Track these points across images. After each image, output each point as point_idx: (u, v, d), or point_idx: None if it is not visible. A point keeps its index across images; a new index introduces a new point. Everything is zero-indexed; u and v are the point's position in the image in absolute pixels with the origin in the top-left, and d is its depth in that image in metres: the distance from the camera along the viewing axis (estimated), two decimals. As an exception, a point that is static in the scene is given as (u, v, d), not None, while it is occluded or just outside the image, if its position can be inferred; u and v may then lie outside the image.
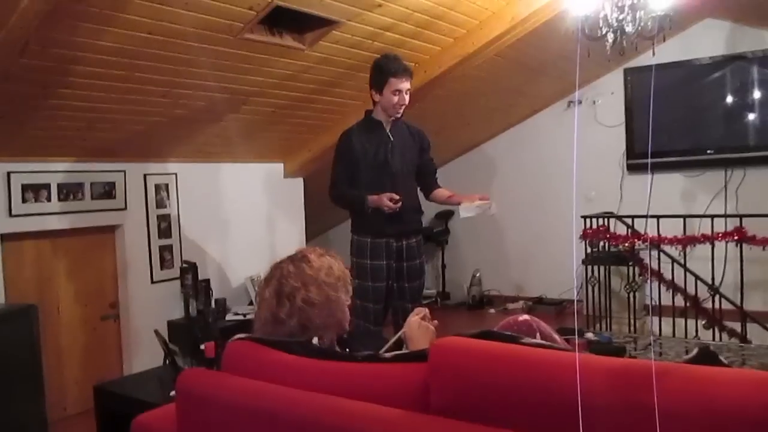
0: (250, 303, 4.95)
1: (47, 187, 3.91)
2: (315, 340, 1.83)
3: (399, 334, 1.90)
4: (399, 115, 3.51)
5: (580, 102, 6.27)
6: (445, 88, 5.08)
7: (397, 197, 3.35)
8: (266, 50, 3.75)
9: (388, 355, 1.64)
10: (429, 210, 6.84)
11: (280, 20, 3.59)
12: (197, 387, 1.74)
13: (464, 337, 1.50)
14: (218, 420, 1.67)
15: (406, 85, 3.42)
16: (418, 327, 1.86)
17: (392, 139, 3.51)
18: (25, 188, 3.80)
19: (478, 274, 6.62)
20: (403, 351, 1.80)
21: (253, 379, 1.68)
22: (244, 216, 5.19)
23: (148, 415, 1.99)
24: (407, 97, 3.46)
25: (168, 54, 3.37)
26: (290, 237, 5.59)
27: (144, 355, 4.35)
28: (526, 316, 1.91)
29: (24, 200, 3.80)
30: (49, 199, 3.91)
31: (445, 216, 6.87)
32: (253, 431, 1.59)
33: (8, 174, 3.74)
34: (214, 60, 3.60)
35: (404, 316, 3.27)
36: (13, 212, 3.76)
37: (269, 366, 1.72)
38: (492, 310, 6.44)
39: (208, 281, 4.69)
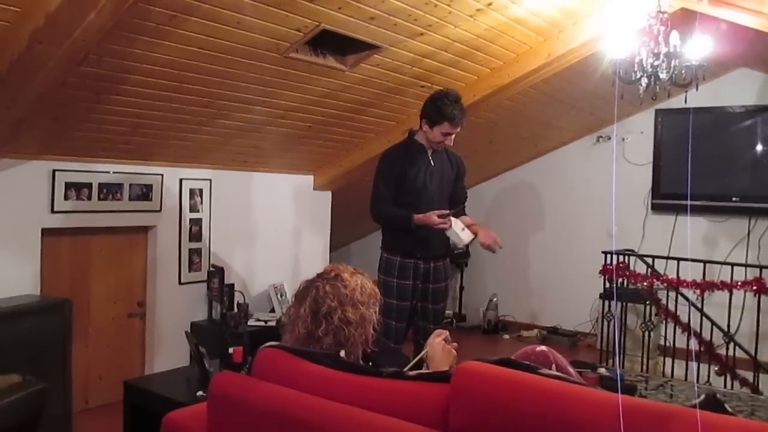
0: (272, 310, 5.06)
1: (89, 186, 4.07)
2: (342, 353, 1.93)
3: (422, 354, 2.00)
4: (437, 148, 3.62)
5: (609, 138, 6.34)
6: (478, 115, 5.19)
7: (447, 212, 3.45)
8: (308, 69, 3.90)
9: (412, 373, 1.74)
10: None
11: (325, 42, 3.73)
12: (230, 391, 1.85)
13: (485, 363, 1.60)
14: (248, 423, 1.77)
15: (457, 130, 3.53)
16: (441, 349, 1.96)
17: (432, 164, 3.61)
18: (68, 186, 3.97)
19: (495, 299, 6.69)
20: (426, 371, 1.90)
21: (283, 387, 1.78)
22: (272, 225, 5.33)
23: (179, 413, 2.10)
24: (449, 139, 3.56)
25: (215, 68, 3.52)
26: (315, 248, 5.72)
27: (166, 354, 4.48)
28: (543, 347, 2.00)
29: (66, 198, 3.96)
30: (89, 198, 4.07)
31: (467, 240, 6.94)
32: (281, 436, 1.69)
33: (53, 171, 3.91)
34: (258, 75, 3.75)
35: (425, 335, 3.36)
36: (55, 208, 3.92)
37: (298, 375, 1.82)
38: (506, 336, 6.49)
39: (232, 286, 4.82)
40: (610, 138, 6.35)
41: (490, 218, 6.86)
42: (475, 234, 3.58)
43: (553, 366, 1.88)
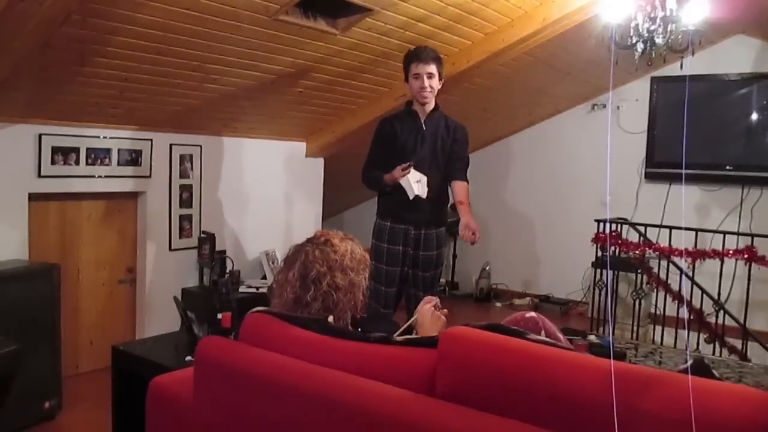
0: (264, 277, 5.05)
1: (76, 150, 4.01)
2: (330, 319, 1.92)
3: (411, 320, 1.99)
4: (426, 100, 3.54)
5: (604, 106, 6.29)
6: (472, 82, 5.13)
7: (408, 164, 3.40)
8: (299, 32, 3.82)
9: (399, 338, 1.72)
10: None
11: (316, 4, 3.65)
12: (216, 355, 1.84)
13: (473, 328, 1.58)
14: (234, 388, 1.76)
15: (426, 68, 3.46)
16: (430, 315, 1.94)
17: (425, 129, 3.57)
18: (54, 151, 3.90)
19: (487, 268, 6.70)
20: (414, 336, 1.89)
21: (269, 351, 1.77)
22: (264, 192, 5.29)
23: (166, 378, 2.09)
24: (430, 82, 3.48)
25: (203, 30, 3.45)
26: (307, 216, 5.69)
27: (157, 320, 4.47)
28: (533, 314, 1.99)
29: (53, 162, 3.91)
30: (77, 163, 4.02)
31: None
32: (268, 401, 1.68)
33: (40, 136, 3.85)
34: (247, 38, 3.67)
35: (415, 303, 3.36)
36: (42, 173, 3.87)
37: (285, 340, 1.81)
38: (498, 304, 6.52)
39: (224, 252, 4.79)
40: (605, 106, 6.30)
41: (483, 187, 6.83)
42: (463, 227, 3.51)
43: (542, 332, 1.87)
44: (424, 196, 3.47)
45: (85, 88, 3.67)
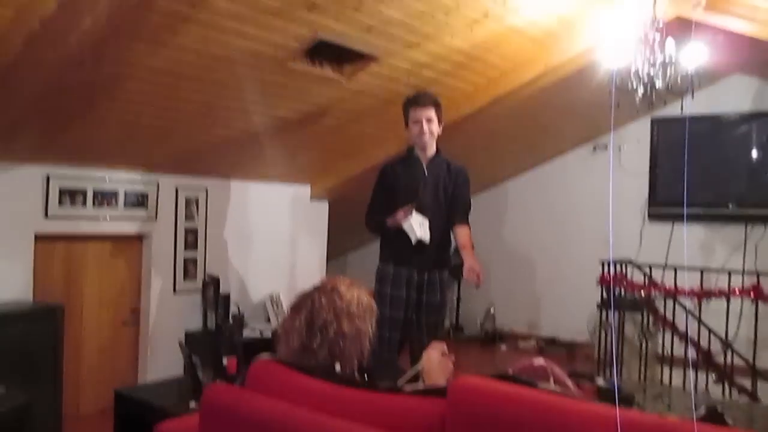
0: (268, 320, 5.03)
1: (83, 192, 4.05)
2: (337, 367, 1.91)
3: (417, 367, 1.97)
4: (426, 145, 3.57)
5: (606, 147, 6.33)
6: (476, 125, 5.18)
7: (409, 206, 3.42)
8: (306, 79, 3.88)
9: (407, 388, 1.72)
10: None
11: (323, 52, 3.72)
12: (223, 402, 1.82)
13: (482, 378, 1.58)
14: (241, 436, 1.75)
15: (424, 113, 3.49)
16: (438, 362, 1.93)
17: (426, 174, 3.60)
18: (62, 192, 3.95)
19: (492, 310, 6.66)
20: (421, 384, 1.87)
21: (276, 400, 1.76)
22: (269, 234, 5.30)
23: (171, 424, 2.07)
24: (429, 127, 3.50)
25: (213, 76, 3.51)
26: (311, 258, 5.69)
27: (160, 362, 4.45)
28: (541, 360, 1.98)
29: (60, 203, 3.94)
30: (84, 204, 4.05)
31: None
32: (275, 450, 1.67)
33: (48, 177, 3.89)
34: (255, 84, 3.74)
35: (420, 348, 3.33)
36: (49, 214, 3.91)
37: (292, 388, 1.80)
38: (504, 347, 6.46)
39: (228, 296, 4.79)
40: (607, 147, 6.35)
41: (487, 228, 6.84)
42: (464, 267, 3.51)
43: (551, 379, 1.87)
44: (427, 239, 3.47)
45: (94, 130, 3.72)
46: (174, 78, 3.42)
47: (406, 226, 3.44)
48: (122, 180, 4.25)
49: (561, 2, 3.77)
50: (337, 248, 6.67)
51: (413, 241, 3.44)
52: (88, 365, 4.27)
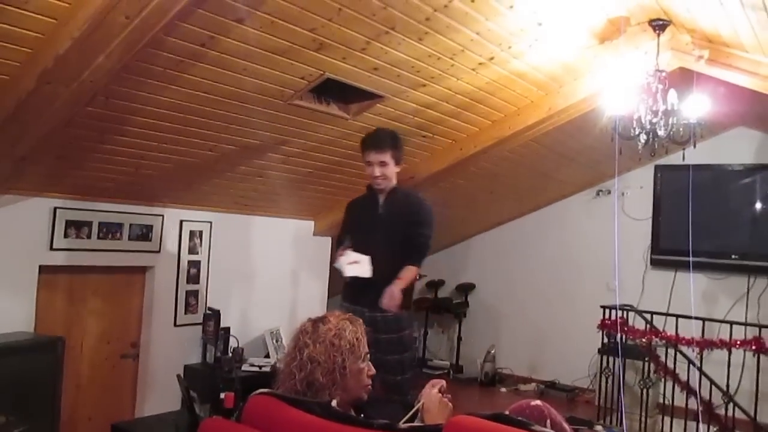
0: (267, 355, 5.01)
1: (89, 224, 4.09)
2: (334, 403, 1.91)
3: (417, 405, 1.97)
4: (380, 188, 3.51)
5: (609, 192, 6.37)
6: (478, 166, 5.25)
7: (397, 302, 3.32)
8: (311, 116, 3.95)
9: (404, 426, 1.71)
10: (450, 281, 6.95)
11: (329, 90, 3.79)
12: (218, 437, 1.82)
13: (478, 418, 1.57)
14: (235, 472, 1.74)
15: (378, 157, 3.43)
16: (438, 401, 1.93)
17: (381, 211, 3.55)
18: (68, 224, 3.98)
19: (493, 351, 6.62)
20: (418, 424, 1.87)
21: (271, 435, 1.75)
22: (271, 269, 5.32)
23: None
24: (383, 171, 3.45)
25: (220, 112, 3.57)
26: (313, 294, 5.69)
27: (157, 396, 4.42)
28: (538, 402, 1.97)
29: (66, 235, 3.97)
30: (89, 237, 4.09)
31: (465, 289, 6.93)
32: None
33: (54, 209, 3.93)
34: (261, 121, 3.80)
35: (395, 388, 3.35)
36: (54, 246, 3.93)
37: (289, 424, 1.79)
38: (503, 389, 6.41)
39: (228, 329, 4.78)
40: (609, 192, 6.38)
41: (489, 269, 6.87)
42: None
43: (548, 422, 1.85)
44: (366, 275, 3.39)
45: (102, 165, 3.78)
46: (182, 113, 3.48)
47: (336, 265, 3.47)
48: (127, 213, 4.28)
49: (565, 49, 3.84)
50: (339, 284, 6.67)
51: (344, 276, 3.46)
52: (87, 399, 4.24)
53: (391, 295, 3.33)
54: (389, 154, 3.44)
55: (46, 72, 2.75)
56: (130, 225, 4.30)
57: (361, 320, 2.10)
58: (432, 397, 1.97)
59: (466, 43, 3.54)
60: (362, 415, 2.04)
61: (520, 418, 1.64)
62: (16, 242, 3.79)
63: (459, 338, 6.91)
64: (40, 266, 3.89)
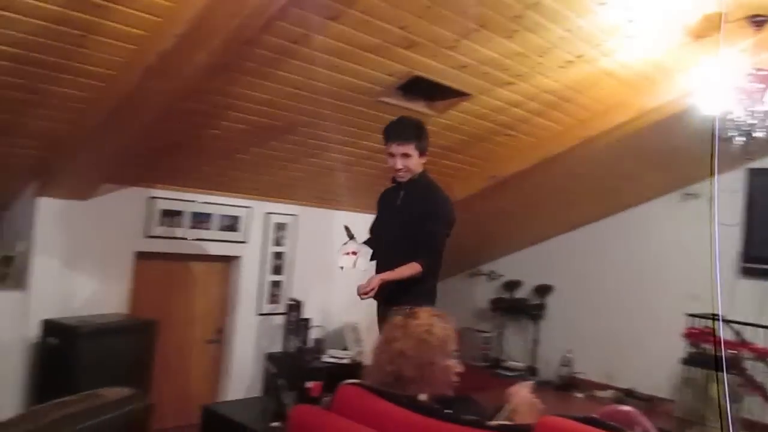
0: (345, 348, 5.10)
1: (182, 214, 4.27)
2: (422, 396, 1.93)
3: (508, 405, 1.97)
4: (402, 180, 3.26)
5: (696, 196, 6.14)
6: (562, 166, 5.15)
7: (366, 289, 3.07)
8: (397, 113, 3.96)
9: (493, 423, 1.72)
10: (528, 282, 6.87)
11: (415, 87, 3.82)
12: (310, 423, 1.88)
13: (569, 420, 1.57)
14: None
15: (400, 149, 3.16)
16: (528, 402, 1.92)
17: (398, 203, 3.31)
18: (162, 213, 4.18)
19: (569, 355, 6.50)
20: (508, 422, 1.87)
21: (362, 425, 1.80)
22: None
23: (256, 442, 2.14)
24: (405, 163, 3.18)
25: (310, 108, 3.66)
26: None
27: (239, 382, 4.57)
28: (629, 408, 1.95)
29: (160, 224, 4.17)
30: (181, 225, 4.27)
31: (543, 291, 6.83)
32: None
33: (151, 199, 4.12)
34: (349, 117, 3.87)
35: None
36: (150, 233, 4.13)
37: (377, 415, 1.83)
38: (579, 395, 6.28)
39: (309, 320, 4.89)
40: (697, 196, 6.14)
41: (567, 271, 6.74)
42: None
43: (638, 429, 1.83)
44: (361, 268, 3.27)
45: (195, 156, 3.94)
46: (274, 109, 3.59)
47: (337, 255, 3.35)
48: (217, 203, 4.44)
49: (657, 47, 3.73)
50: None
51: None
52: (173, 379, 4.43)
53: (367, 282, 3.06)
54: (413, 146, 3.18)
55: (149, 68, 2.89)
56: (219, 216, 4.47)
57: (451, 318, 2.10)
58: (522, 397, 1.97)
59: (555, 40, 3.49)
60: (448, 410, 2.05)
61: (612, 423, 1.62)
62: (114, 230, 4.00)
63: (535, 340, 6.82)
64: (135, 252, 4.09)
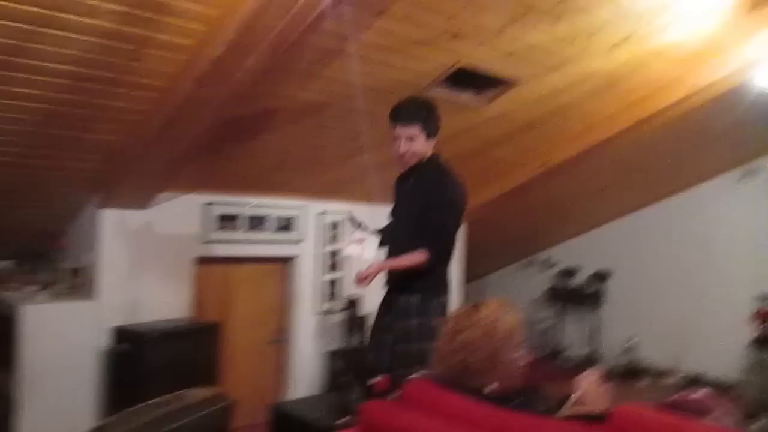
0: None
1: (238, 218, 4.36)
2: (490, 388, 1.92)
3: (575, 394, 1.94)
4: (408, 165, 3.10)
5: (756, 173, 5.94)
6: (613, 150, 5.05)
7: (363, 276, 2.98)
8: (445, 105, 3.92)
9: (565, 413, 1.70)
10: (585, 268, 6.76)
11: (462, 78, 3.80)
12: (381, 419, 1.89)
13: (646, 406, 1.54)
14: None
15: (405, 131, 2.99)
16: (598, 390, 1.89)
17: (406, 189, 3.16)
18: (219, 218, 4.28)
19: (633, 341, 6.38)
20: (580, 411, 1.85)
21: (434, 419, 1.80)
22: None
23: (328, 438, 2.17)
24: (410, 146, 3.00)
25: (358, 105, 3.66)
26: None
27: (302, 380, 4.64)
28: (703, 393, 1.89)
29: (217, 228, 4.26)
30: (238, 229, 4.36)
31: (601, 277, 6.72)
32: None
33: (207, 205, 4.22)
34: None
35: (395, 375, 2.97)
36: (207, 239, 4.22)
37: (447, 408, 1.83)
38: (644, 381, 6.16)
39: (366, 317, 4.91)
40: (759, 172, 5.94)
41: (627, 256, 6.61)
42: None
43: (716, 414, 1.78)
44: (366, 257, 3.15)
45: (249, 160, 4.00)
46: (323, 107, 3.62)
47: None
48: (272, 205, 4.51)
49: (709, 21, 3.62)
50: (474, 271, 6.67)
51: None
52: (239, 380, 4.51)
53: (366, 271, 2.96)
54: (418, 127, 2.99)
55: (200, 77, 2.94)
56: (274, 217, 4.55)
57: (518, 308, 2.08)
58: (592, 385, 1.94)
59: (602, 23, 3.42)
60: (516, 401, 2.04)
61: (688, 409, 1.59)
62: (173, 236, 4.10)
63: (595, 328, 6.71)
64: (195, 258, 4.19)
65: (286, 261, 4.75)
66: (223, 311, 4.44)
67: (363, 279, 2.96)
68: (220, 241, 4.29)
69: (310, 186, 4.60)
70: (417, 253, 2.96)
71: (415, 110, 3.01)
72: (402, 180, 3.20)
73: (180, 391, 2.00)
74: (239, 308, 4.54)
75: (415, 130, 2.99)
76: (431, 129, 3.05)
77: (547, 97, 4.10)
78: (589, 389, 1.90)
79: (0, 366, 3.40)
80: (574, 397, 1.96)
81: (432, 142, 3.08)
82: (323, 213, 4.84)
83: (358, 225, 3.23)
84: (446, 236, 3.06)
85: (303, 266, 4.74)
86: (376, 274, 2.98)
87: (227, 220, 4.30)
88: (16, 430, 3.55)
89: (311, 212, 4.75)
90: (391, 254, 3.10)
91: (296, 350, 4.72)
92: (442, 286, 3.11)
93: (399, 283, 3.07)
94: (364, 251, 3.19)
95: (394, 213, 3.23)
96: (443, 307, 3.06)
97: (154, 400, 1.97)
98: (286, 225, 4.58)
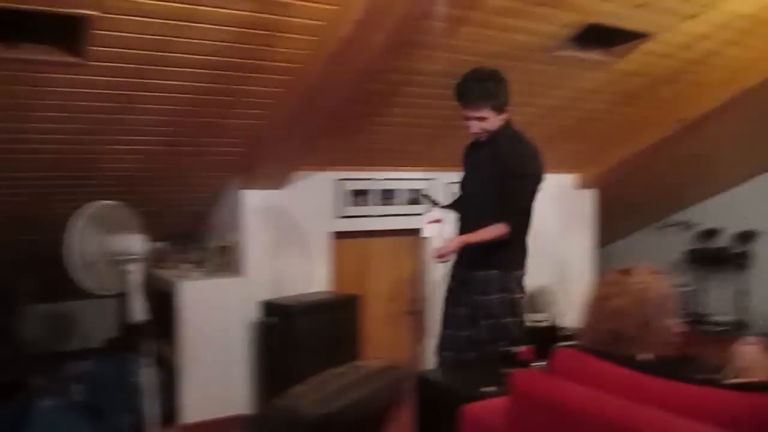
0: (539, 311, 5.05)
1: (368, 192, 4.49)
2: (644, 357, 1.87)
3: (733, 364, 1.86)
4: (481, 139, 3.03)
5: None
6: (759, 98, 4.68)
7: (444, 252, 2.95)
8: (573, 65, 3.85)
9: (729, 381, 1.64)
10: (729, 229, 6.35)
11: (590, 36, 3.65)
12: (532, 388, 1.90)
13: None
14: (552, 421, 1.80)
15: (474, 113, 2.92)
16: (760, 359, 1.80)
17: (480, 160, 3.08)
18: (351, 193, 4.42)
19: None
20: (744, 380, 1.77)
21: (586, 387, 1.78)
22: (536, 226, 5.30)
23: (477, 407, 2.20)
24: (482, 125, 2.94)
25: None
26: (579, 248, 5.59)
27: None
28: None
29: (350, 204, 4.42)
30: (369, 204, 4.50)
31: (747, 237, 6.29)
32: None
33: (340, 181, 4.36)
34: (522, 76, 3.76)
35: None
36: (341, 214, 4.37)
37: (599, 376, 1.81)
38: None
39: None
40: None
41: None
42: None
43: None
44: (447, 237, 3.02)
45: (379, 135, 4.09)
46: (448, 78, 3.59)
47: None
48: (402, 179, 4.59)
49: None
50: (606, 235, 6.46)
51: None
52: (378, 351, 4.65)
53: (446, 246, 2.94)
54: (488, 108, 2.91)
55: (331, 56, 3.03)
56: (403, 190, 4.62)
57: (669, 275, 2.00)
58: (751, 352, 1.84)
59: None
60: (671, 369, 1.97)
61: None
62: (310, 213, 4.29)
63: (742, 291, 6.31)
64: (331, 233, 4.34)
65: (416, 233, 4.80)
66: (360, 284, 4.58)
67: (443, 255, 2.95)
68: (353, 216, 4.42)
69: (438, 157, 4.61)
70: (497, 226, 2.93)
71: (481, 92, 2.92)
72: (473, 150, 3.14)
73: (355, 362, 2.12)
74: (375, 281, 4.67)
75: (484, 111, 2.92)
76: (501, 104, 2.96)
77: (684, 46, 3.87)
78: (750, 358, 1.81)
79: (163, 337, 3.71)
80: (736, 365, 1.87)
81: (504, 115, 3.00)
82: (452, 183, 4.83)
83: (433, 203, 3.14)
84: (525, 208, 3.04)
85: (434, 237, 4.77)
86: (456, 249, 2.96)
87: (359, 195, 4.42)
88: (180, 394, 3.89)
89: (441, 184, 4.77)
90: (466, 228, 3.02)
91: (430, 320, 4.79)
92: (519, 260, 3.14)
93: (474, 257, 3.02)
94: (444, 230, 3.08)
95: (464, 184, 3.18)
96: (521, 280, 3.11)
97: (336, 369, 2.09)
98: (416, 197, 4.64)
